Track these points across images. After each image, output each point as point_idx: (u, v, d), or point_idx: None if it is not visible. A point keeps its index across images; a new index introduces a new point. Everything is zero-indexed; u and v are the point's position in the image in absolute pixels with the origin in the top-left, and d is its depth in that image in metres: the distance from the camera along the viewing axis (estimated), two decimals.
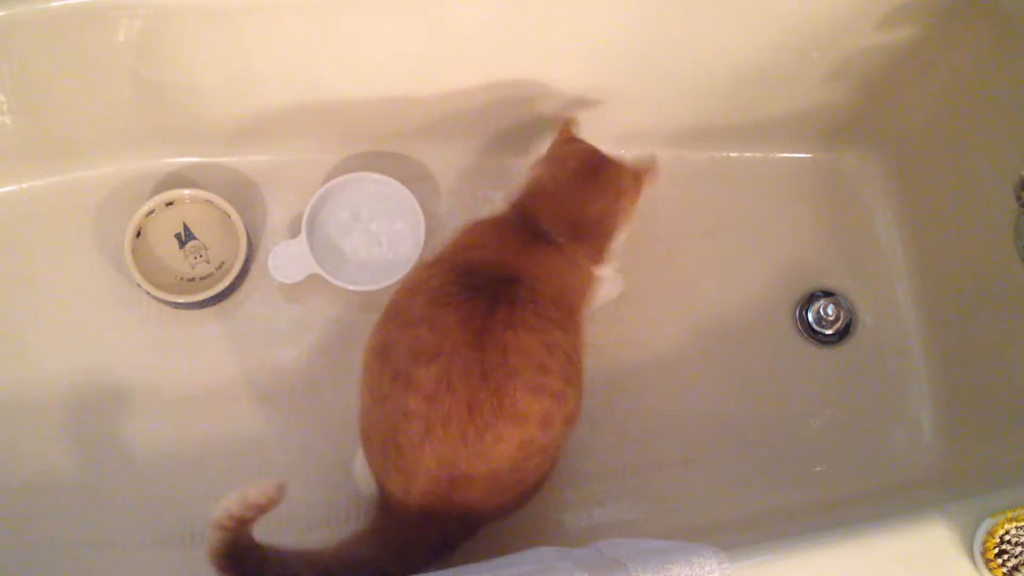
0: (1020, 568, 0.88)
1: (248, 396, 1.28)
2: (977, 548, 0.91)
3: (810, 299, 1.42)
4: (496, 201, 1.38)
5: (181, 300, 1.26)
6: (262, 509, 0.96)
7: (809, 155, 1.50)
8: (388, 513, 1.09)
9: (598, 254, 1.17)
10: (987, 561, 0.90)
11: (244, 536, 0.99)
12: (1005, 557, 0.89)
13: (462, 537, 1.10)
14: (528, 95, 1.33)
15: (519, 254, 1.10)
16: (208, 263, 1.32)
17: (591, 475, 1.30)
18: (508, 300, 1.03)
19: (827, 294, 1.43)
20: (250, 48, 1.20)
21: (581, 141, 1.22)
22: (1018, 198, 1.03)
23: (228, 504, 0.95)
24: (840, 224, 1.47)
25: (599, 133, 1.42)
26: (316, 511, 1.21)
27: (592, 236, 1.16)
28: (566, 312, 1.11)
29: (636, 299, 1.39)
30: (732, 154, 1.49)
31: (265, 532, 1.18)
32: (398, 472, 1.04)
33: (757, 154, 1.49)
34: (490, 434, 1.00)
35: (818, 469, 1.34)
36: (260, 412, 1.27)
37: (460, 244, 1.15)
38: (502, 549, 1.03)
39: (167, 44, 1.18)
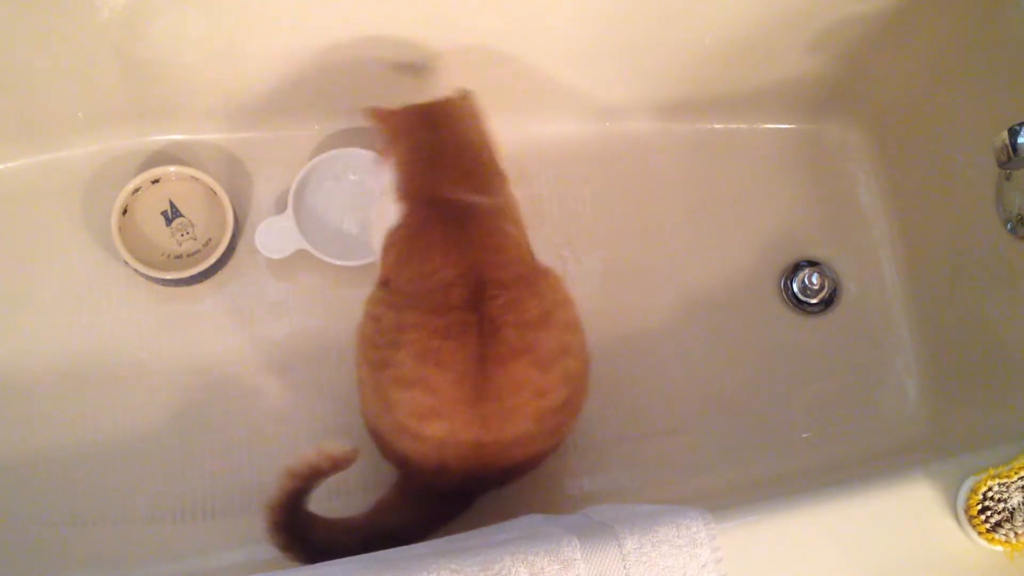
0: (1003, 524, 0.89)
1: (237, 371, 1.28)
2: (960, 506, 0.92)
3: (795, 269, 1.43)
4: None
5: (169, 277, 1.26)
6: (336, 462, 1.03)
7: (793, 126, 1.50)
8: (400, 486, 1.15)
9: (500, 180, 1.16)
10: (970, 518, 0.91)
11: (301, 501, 1.05)
12: (988, 514, 0.90)
13: (466, 504, 1.15)
14: (511, 70, 1.33)
15: (466, 250, 1.06)
16: (195, 240, 1.32)
17: (580, 446, 1.30)
18: (490, 328, 1.02)
19: (812, 263, 1.43)
20: (232, 23, 1.20)
21: (404, 108, 1.19)
22: (999, 162, 1.04)
23: (307, 453, 1.03)
24: (824, 194, 1.48)
25: (584, 106, 1.43)
26: None
27: (484, 167, 1.15)
28: (533, 268, 1.11)
29: (622, 271, 1.40)
30: (716, 126, 1.49)
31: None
32: (401, 465, 1.12)
33: (741, 125, 1.49)
34: (498, 460, 1.07)
35: (805, 436, 1.35)
36: (249, 387, 1.27)
37: (416, 274, 1.08)
38: (493, 518, 1.04)
39: (150, 21, 1.18)
